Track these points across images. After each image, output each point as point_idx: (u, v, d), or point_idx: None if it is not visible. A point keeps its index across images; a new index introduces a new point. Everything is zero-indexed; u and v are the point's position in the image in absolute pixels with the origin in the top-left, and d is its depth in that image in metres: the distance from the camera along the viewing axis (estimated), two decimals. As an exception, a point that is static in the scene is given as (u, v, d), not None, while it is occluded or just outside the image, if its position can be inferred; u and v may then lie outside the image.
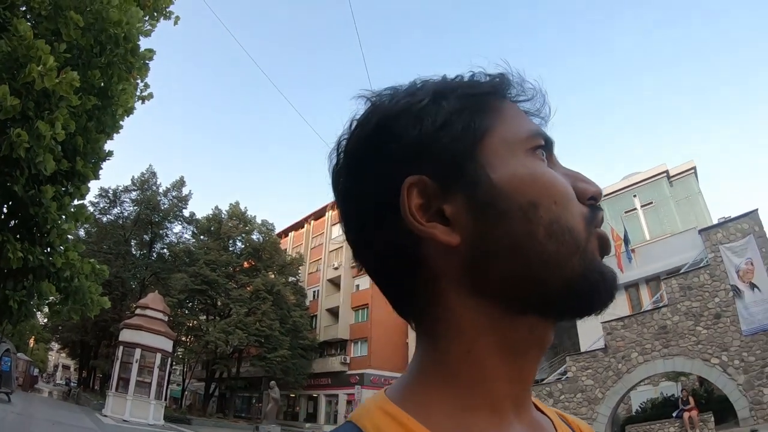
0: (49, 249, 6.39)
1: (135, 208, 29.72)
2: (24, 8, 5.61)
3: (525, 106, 0.48)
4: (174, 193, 31.19)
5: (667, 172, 24.89)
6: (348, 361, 30.80)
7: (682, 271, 15.97)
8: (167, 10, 8.08)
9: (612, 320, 15.87)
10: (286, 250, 37.61)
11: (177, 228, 32.60)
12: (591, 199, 0.43)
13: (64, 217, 6.37)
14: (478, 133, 0.43)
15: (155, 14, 7.83)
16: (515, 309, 0.40)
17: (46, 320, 27.50)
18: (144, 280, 29.55)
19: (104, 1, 5.56)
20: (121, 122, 7.37)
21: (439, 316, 0.41)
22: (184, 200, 31.46)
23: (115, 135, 7.26)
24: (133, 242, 30.96)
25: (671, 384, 17.42)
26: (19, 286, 6.34)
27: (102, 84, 6.41)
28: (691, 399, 14.06)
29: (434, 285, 0.41)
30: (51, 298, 6.80)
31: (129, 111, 7.53)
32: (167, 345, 20.62)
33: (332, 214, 37.07)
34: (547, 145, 0.45)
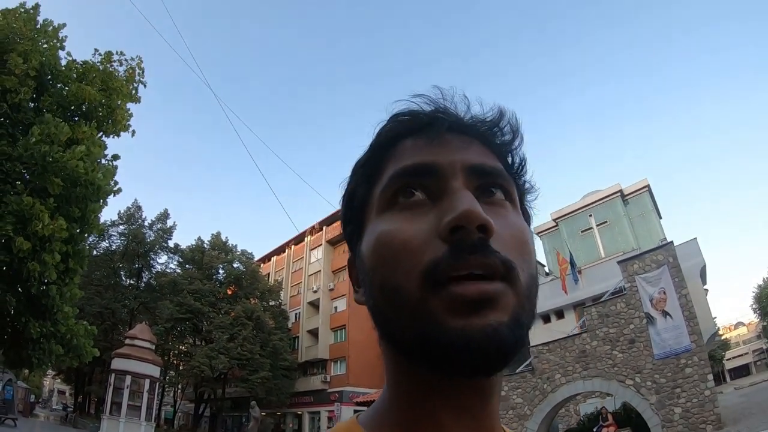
0: (55, 323, 10.47)
1: (122, 240, 34.06)
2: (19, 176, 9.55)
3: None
4: (159, 226, 35.63)
5: (621, 191, 27.95)
6: (328, 380, 34.87)
7: (602, 299, 18.21)
8: (127, 124, 12.33)
9: (538, 344, 18.40)
10: (269, 274, 42.69)
11: (163, 258, 37.12)
12: (455, 230, 0.41)
13: (64, 302, 10.47)
14: (360, 208, 0.52)
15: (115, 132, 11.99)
16: (408, 359, 0.44)
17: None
18: (133, 310, 33.74)
19: (74, 155, 9.47)
20: (98, 226, 11.49)
21: (382, 352, 0.49)
22: (168, 232, 35.84)
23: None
24: (122, 273, 35.24)
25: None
26: (37, 347, 10.47)
27: (79, 214, 10.37)
28: (609, 416, 16.25)
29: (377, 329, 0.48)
30: (59, 353, 10.91)
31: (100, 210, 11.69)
32: (155, 371, 24.61)
33: (311, 239, 41.84)
34: (421, 177, 0.47)
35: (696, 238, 24.08)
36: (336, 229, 40.14)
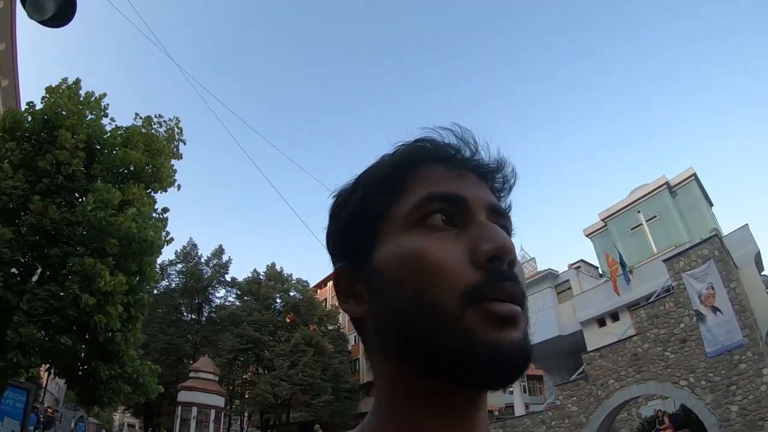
0: (122, 365, 11.82)
1: (181, 278, 36.42)
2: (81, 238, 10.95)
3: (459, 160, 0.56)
4: (215, 261, 37.90)
5: (667, 183, 27.37)
6: None
7: (650, 300, 18.24)
8: (172, 179, 13.76)
9: (591, 351, 18.69)
10: (326, 299, 44.01)
11: (221, 292, 39.29)
12: (492, 259, 0.47)
13: (128, 347, 11.83)
14: (375, 219, 0.55)
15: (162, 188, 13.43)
16: (419, 371, 0.47)
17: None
18: (196, 344, 35.88)
19: (126, 217, 10.88)
20: (155, 276, 12.90)
21: (373, 368, 0.54)
22: (224, 266, 38.10)
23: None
24: (183, 309, 37.58)
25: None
26: (107, 387, 11.85)
27: (136, 268, 11.74)
28: (666, 419, 16.42)
29: (367, 344, 0.55)
30: (127, 392, 12.29)
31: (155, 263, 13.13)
32: (219, 401, 26.39)
33: None
34: (452, 204, 0.51)
35: (747, 225, 23.49)
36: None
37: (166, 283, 36.67)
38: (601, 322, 23.65)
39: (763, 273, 26.06)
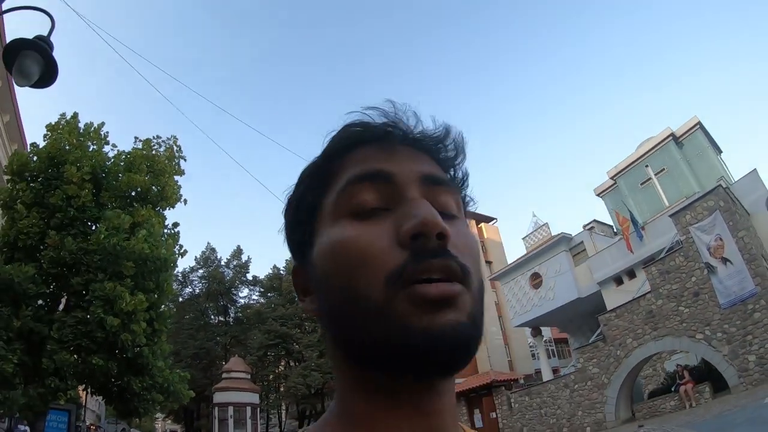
0: (153, 376, 12.76)
1: (204, 283, 37.71)
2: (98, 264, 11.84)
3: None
4: (235, 262, 39.09)
5: (672, 134, 27.71)
6: None
7: (660, 256, 18.39)
8: (178, 195, 14.54)
9: (606, 312, 19.13)
10: None
11: (245, 291, 40.84)
12: (416, 236, 0.44)
13: (156, 359, 12.76)
14: (310, 214, 0.54)
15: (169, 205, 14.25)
16: (361, 364, 0.46)
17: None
18: (226, 345, 37.30)
19: (138, 240, 11.75)
20: (173, 290, 13.77)
21: (331, 361, 0.52)
22: (245, 266, 39.33)
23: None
24: (210, 313, 38.91)
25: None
26: (141, 399, 12.81)
27: (154, 285, 12.63)
28: (685, 373, 16.60)
29: (326, 338, 0.52)
30: (159, 401, 13.26)
31: (173, 276, 14.04)
32: (254, 398, 27.58)
33: None
34: (377, 182, 0.49)
35: (756, 170, 23.60)
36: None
37: (190, 290, 38.11)
38: (618, 280, 23.87)
39: (779, 214, 26.28)
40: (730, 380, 15.03)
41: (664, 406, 16.93)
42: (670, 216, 18.56)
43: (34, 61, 5.34)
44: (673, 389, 16.94)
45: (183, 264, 61.70)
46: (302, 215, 0.55)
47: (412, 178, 0.50)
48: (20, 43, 5.28)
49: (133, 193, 13.68)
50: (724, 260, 15.78)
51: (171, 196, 14.28)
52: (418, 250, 0.44)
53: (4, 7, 6.67)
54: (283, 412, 42.25)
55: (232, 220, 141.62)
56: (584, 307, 25.04)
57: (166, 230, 14.58)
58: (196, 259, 38.60)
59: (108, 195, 13.10)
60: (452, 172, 0.58)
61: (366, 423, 0.47)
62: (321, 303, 0.50)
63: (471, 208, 0.61)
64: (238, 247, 40.40)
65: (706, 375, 16.39)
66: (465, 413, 23.28)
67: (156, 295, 12.75)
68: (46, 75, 5.53)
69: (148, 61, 38.01)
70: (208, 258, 38.47)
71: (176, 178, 14.79)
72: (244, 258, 39.74)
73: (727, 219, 16.01)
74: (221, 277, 37.66)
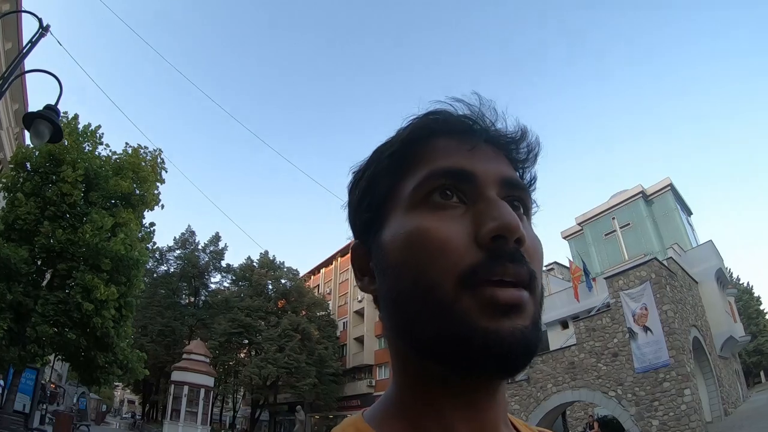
0: (115, 353, 16.24)
1: (179, 263, 41.39)
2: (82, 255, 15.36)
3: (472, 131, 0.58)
4: (211, 248, 42.94)
5: (643, 192, 30.88)
6: (374, 384, 41.22)
7: (590, 314, 20.60)
8: (156, 200, 17.96)
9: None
10: (318, 286, 49.82)
11: (217, 277, 44.47)
12: (495, 238, 0.48)
13: (120, 339, 16.27)
14: (382, 198, 0.58)
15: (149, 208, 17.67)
16: (422, 356, 0.50)
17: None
18: (192, 327, 41.02)
19: (117, 242, 15.25)
20: (141, 285, 17.27)
21: (389, 347, 0.57)
22: (220, 253, 43.28)
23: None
24: (183, 293, 42.76)
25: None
26: (102, 371, 16.36)
27: (125, 280, 16.10)
28: (596, 425, 18.65)
29: (382, 321, 0.58)
30: (118, 374, 16.79)
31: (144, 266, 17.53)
32: (209, 381, 31.17)
33: None
34: (458, 180, 0.54)
35: (711, 241, 27.08)
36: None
37: (165, 268, 42.04)
38: (564, 324, 26.73)
39: (730, 288, 29.70)
40: (633, 439, 17.31)
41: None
42: (605, 278, 20.96)
43: (46, 126, 8.04)
44: (582, 436, 19.57)
45: (162, 242, 66.46)
46: (373, 196, 0.60)
47: (493, 178, 0.55)
48: (34, 114, 8.11)
49: (119, 195, 17.11)
50: (646, 329, 17.89)
51: (150, 202, 17.80)
52: (495, 252, 0.48)
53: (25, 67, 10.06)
54: (240, 398, 46.42)
55: (217, 207, 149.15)
56: (531, 344, 28.13)
57: (143, 229, 18.15)
58: (175, 239, 42.68)
59: (96, 195, 16.49)
60: (521, 173, 0.62)
61: (422, 413, 0.52)
62: (384, 287, 0.55)
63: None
64: (217, 233, 44.39)
65: (616, 429, 18.44)
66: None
67: (126, 288, 16.28)
68: (54, 135, 8.50)
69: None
70: (186, 240, 42.33)
71: (158, 184, 18.31)
72: (221, 245, 43.69)
73: (655, 291, 18.07)
74: (196, 261, 41.48)
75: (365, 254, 0.60)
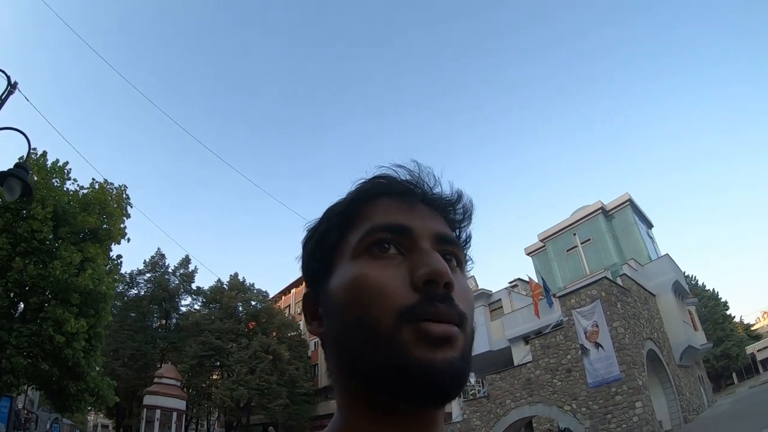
0: (86, 382, 17.58)
1: (149, 286, 42.55)
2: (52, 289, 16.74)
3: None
4: (181, 271, 44.20)
5: (602, 208, 32.46)
6: None
7: (545, 332, 21.91)
8: (123, 233, 19.34)
9: (492, 373, 22.90)
10: (289, 306, 51.68)
11: (188, 300, 45.75)
12: (427, 282, 0.58)
13: (90, 369, 17.63)
14: (331, 249, 0.68)
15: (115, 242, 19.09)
16: (366, 387, 0.58)
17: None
18: (163, 350, 42.17)
19: (85, 277, 16.64)
20: (108, 316, 18.65)
21: (333, 381, 0.66)
22: (190, 276, 44.55)
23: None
24: (154, 316, 43.88)
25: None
26: (75, 399, 17.69)
27: (93, 313, 17.48)
28: None
29: (327, 360, 0.67)
30: (90, 402, 18.11)
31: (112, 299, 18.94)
32: (181, 405, 32.46)
33: None
34: (397, 233, 0.63)
35: (668, 254, 29.05)
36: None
37: (136, 292, 42.96)
38: (526, 339, 26.98)
39: (690, 299, 31.71)
40: (588, 451, 18.49)
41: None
42: (558, 297, 22.50)
43: (17, 183, 9.06)
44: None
45: (132, 266, 67.43)
46: (323, 248, 0.70)
47: (427, 233, 0.65)
48: (5, 173, 9.11)
49: (87, 230, 18.45)
50: (597, 345, 19.05)
51: (117, 236, 19.22)
52: (428, 294, 0.57)
53: None
54: (216, 420, 47.51)
55: (186, 230, 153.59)
56: (495, 358, 29.29)
57: (111, 261, 19.55)
58: (145, 262, 43.69)
59: (65, 231, 17.81)
60: (458, 233, 0.73)
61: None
62: (330, 328, 0.64)
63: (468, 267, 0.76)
64: (187, 256, 45.71)
65: None
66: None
67: (95, 320, 17.65)
68: (24, 191, 9.57)
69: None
70: (156, 263, 43.47)
71: (123, 218, 19.73)
72: (191, 267, 45.09)
73: (605, 308, 19.27)
74: (166, 284, 42.71)
75: (315, 301, 0.70)
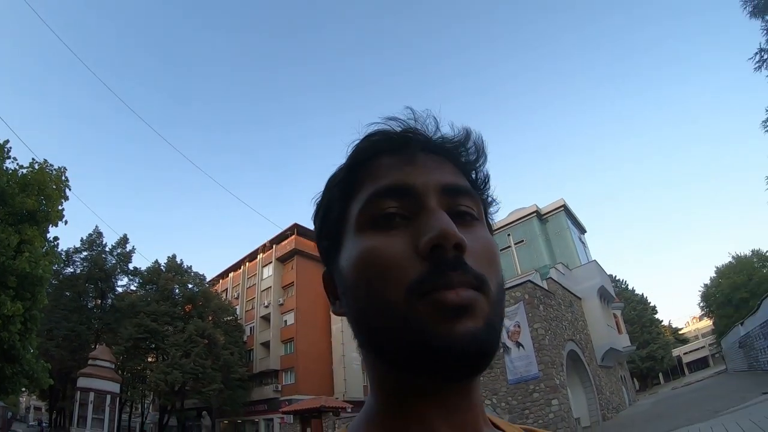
0: (21, 365, 18.17)
1: (86, 265, 42.31)
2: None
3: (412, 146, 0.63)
4: (119, 250, 43.88)
5: (537, 211, 34.38)
6: (280, 389, 43.87)
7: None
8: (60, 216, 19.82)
9: None
10: (227, 290, 52.49)
11: (124, 280, 45.63)
12: (434, 248, 0.53)
13: (26, 351, 18.22)
14: (336, 225, 0.64)
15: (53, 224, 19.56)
16: (392, 367, 0.55)
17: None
18: (98, 331, 42.15)
19: (22, 261, 17.20)
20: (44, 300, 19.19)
21: (364, 361, 0.62)
22: (127, 256, 44.22)
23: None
24: (90, 296, 43.64)
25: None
26: (9, 381, 18.29)
27: (29, 296, 18.03)
28: None
29: (357, 340, 0.60)
30: (25, 384, 18.74)
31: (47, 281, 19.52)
32: (115, 388, 32.74)
33: (263, 257, 51.18)
34: (398, 195, 0.59)
35: (596, 261, 31.18)
36: (285, 247, 48.50)
37: (72, 270, 42.57)
38: None
39: (616, 303, 34.04)
40: (506, 445, 20.49)
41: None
42: None
43: None
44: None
45: (68, 243, 66.25)
46: (329, 224, 0.66)
47: (432, 188, 0.59)
48: None
49: (24, 212, 18.84)
50: (518, 344, 20.06)
51: (54, 218, 19.69)
52: (437, 262, 0.52)
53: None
54: (150, 403, 47.87)
55: (124, 210, 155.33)
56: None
57: (48, 243, 20.03)
58: (81, 240, 43.28)
59: (3, 212, 18.26)
60: (474, 175, 0.67)
61: (403, 421, 0.57)
62: (347, 308, 0.61)
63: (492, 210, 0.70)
64: (125, 235, 45.34)
65: None
66: (299, 430, 29.52)
67: (31, 303, 18.19)
68: None
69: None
70: (93, 241, 43.19)
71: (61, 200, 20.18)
72: (129, 247, 44.83)
73: (528, 310, 20.38)
74: (102, 263, 42.46)
75: (331, 280, 0.67)
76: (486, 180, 0.68)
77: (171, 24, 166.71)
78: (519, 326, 20.31)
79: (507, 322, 20.26)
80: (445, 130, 0.66)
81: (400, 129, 0.64)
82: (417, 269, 0.53)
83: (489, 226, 0.68)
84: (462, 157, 0.66)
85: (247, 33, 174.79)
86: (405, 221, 0.58)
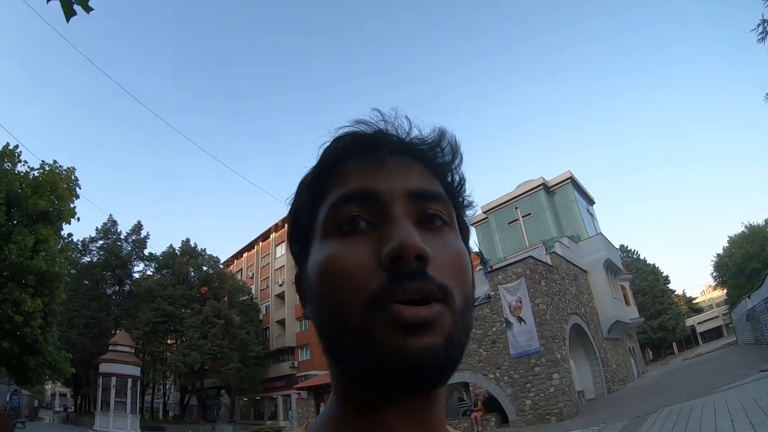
0: (44, 356, 19.55)
1: (102, 253, 43.93)
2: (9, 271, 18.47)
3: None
4: (134, 237, 45.62)
5: (544, 184, 34.34)
6: (296, 365, 45.56)
7: (475, 304, 25.28)
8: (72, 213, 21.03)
9: None
10: (241, 270, 53.82)
11: (140, 266, 47.41)
12: (395, 260, 0.49)
13: (48, 344, 19.55)
14: (305, 229, 0.62)
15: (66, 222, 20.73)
16: (350, 378, 0.54)
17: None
18: (117, 317, 43.93)
19: (39, 260, 18.41)
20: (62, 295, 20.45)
21: (328, 363, 0.58)
22: (142, 242, 46.01)
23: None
24: (108, 282, 45.28)
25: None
26: (33, 372, 19.67)
27: (48, 292, 19.28)
28: (479, 403, 21.12)
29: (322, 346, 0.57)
30: (48, 375, 20.15)
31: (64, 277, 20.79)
32: (136, 371, 34.19)
33: (275, 236, 52.32)
34: (363, 201, 0.55)
35: (601, 233, 31.61)
36: (298, 225, 49.91)
37: (89, 259, 44.27)
38: None
39: (623, 275, 34.54)
40: (510, 416, 20.16)
41: (458, 428, 23.16)
42: (487, 273, 22.98)
43: None
44: (469, 413, 22.03)
45: (83, 233, 67.57)
46: (299, 228, 0.63)
47: (398, 194, 0.56)
48: None
49: (38, 212, 19.94)
50: (520, 319, 20.50)
51: (67, 216, 20.87)
52: (396, 273, 0.49)
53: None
54: (171, 384, 49.73)
55: (137, 197, 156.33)
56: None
57: (62, 240, 21.23)
58: (97, 229, 44.86)
59: (18, 214, 19.41)
60: (449, 177, 0.63)
61: (363, 423, 0.55)
62: (314, 315, 0.57)
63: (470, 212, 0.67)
64: (139, 222, 46.96)
65: (499, 407, 21.07)
66: (313, 405, 30.86)
67: (49, 298, 19.43)
68: None
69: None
70: (108, 230, 44.76)
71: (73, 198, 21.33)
72: (143, 234, 46.45)
73: (529, 286, 20.74)
74: (118, 251, 44.12)
75: (302, 284, 0.64)
76: (462, 182, 0.65)
77: (179, 14, 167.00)
78: (521, 301, 20.74)
79: (509, 297, 21.16)
80: (417, 131, 0.63)
81: (370, 131, 0.62)
82: (377, 280, 0.50)
83: (464, 229, 0.66)
84: (436, 159, 0.62)
85: (247, 33, 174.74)
86: (371, 227, 0.55)
